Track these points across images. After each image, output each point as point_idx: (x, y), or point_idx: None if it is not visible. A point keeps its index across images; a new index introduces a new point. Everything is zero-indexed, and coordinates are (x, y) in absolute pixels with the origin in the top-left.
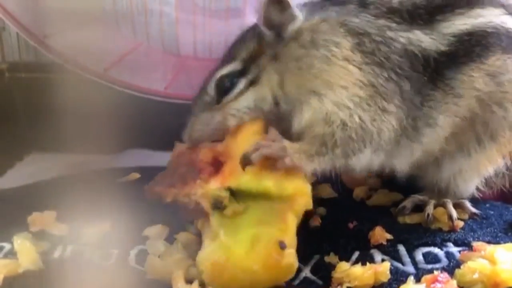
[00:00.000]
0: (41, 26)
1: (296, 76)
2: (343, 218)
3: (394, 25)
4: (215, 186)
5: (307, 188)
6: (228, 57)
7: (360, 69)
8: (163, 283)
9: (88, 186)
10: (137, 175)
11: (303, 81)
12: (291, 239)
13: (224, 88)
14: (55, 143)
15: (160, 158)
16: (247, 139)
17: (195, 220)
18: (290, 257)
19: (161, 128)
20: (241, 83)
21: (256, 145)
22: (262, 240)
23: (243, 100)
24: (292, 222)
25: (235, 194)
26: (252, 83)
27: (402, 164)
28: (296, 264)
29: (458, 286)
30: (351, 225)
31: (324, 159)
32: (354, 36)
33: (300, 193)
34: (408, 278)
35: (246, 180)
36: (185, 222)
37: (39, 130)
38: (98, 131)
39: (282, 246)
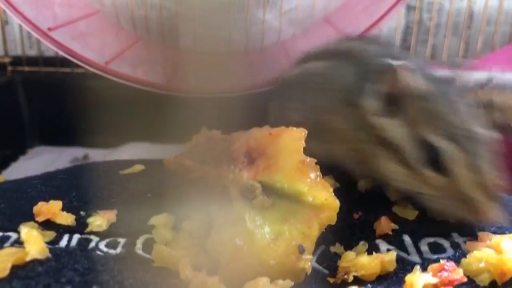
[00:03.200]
0: (43, 19)
1: None
2: (348, 209)
3: None
4: (247, 176)
5: (336, 204)
6: None
7: None
8: (171, 271)
9: (92, 177)
10: (141, 167)
11: None
12: (310, 246)
13: None
14: (57, 136)
15: (160, 151)
16: (289, 143)
17: (210, 205)
18: (306, 263)
19: (161, 121)
20: None
21: None
22: (284, 238)
23: None
24: (315, 231)
25: (264, 189)
26: None
27: None
28: (308, 271)
29: (465, 275)
30: (356, 216)
31: None
32: None
33: (328, 206)
34: (414, 267)
35: (281, 178)
36: (192, 210)
37: (42, 123)
38: (99, 125)
39: (301, 250)
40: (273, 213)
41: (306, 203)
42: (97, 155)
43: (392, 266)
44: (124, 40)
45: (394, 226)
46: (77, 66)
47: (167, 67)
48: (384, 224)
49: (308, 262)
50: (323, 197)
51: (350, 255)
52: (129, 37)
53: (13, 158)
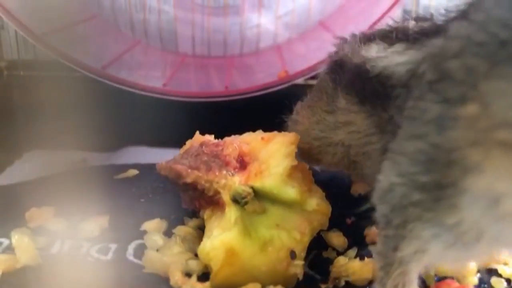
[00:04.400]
0: (39, 24)
1: None
2: (341, 214)
3: None
4: (239, 181)
5: (328, 209)
6: None
7: None
8: (161, 277)
9: (86, 182)
10: (135, 171)
11: None
12: (301, 251)
13: None
14: (53, 140)
15: (158, 155)
16: (280, 148)
17: (202, 210)
18: (297, 268)
19: (159, 125)
20: None
21: None
22: (276, 244)
23: None
24: (306, 236)
25: (256, 194)
26: None
27: None
28: (300, 276)
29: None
30: (349, 221)
31: None
32: None
33: (320, 211)
34: None
35: (272, 184)
36: (184, 215)
37: (38, 127)
38: (96, 129)
39: (292, 255)
40: (265, 218)
41: (297, 208)
42: (94, 159)
43: None
44: (122, 44)
45: None
46: (74, 70)
47: (165, 71)
48: (375, 233)
49: (299, 267)
50: (314, 202)
51: (342, 260)
52: (127, 41)
53: (9, 162)
